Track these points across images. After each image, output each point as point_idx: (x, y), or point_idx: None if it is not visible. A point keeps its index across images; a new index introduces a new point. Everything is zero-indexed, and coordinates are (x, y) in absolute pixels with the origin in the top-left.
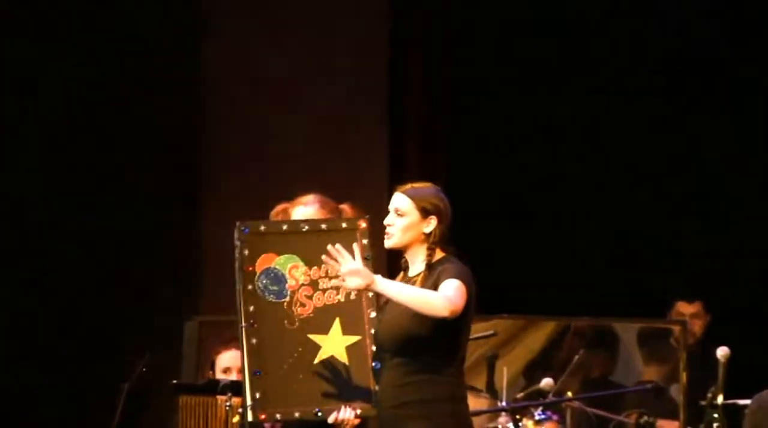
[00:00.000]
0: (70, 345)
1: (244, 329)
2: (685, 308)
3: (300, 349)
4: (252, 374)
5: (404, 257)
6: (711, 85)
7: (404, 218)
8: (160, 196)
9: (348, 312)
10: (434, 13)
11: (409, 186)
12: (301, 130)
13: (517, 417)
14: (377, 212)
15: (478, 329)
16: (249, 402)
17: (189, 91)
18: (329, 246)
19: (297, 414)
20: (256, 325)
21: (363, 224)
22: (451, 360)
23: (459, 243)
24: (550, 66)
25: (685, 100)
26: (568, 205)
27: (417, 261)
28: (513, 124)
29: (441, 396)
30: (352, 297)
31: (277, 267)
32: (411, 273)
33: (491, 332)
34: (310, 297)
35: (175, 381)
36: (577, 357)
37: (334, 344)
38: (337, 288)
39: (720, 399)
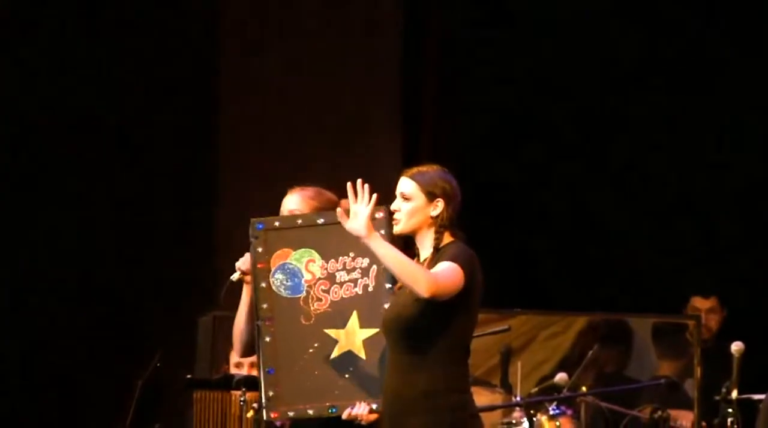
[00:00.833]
0: (85, 339)
1: (258, 327)
2: (701, 303)
3: (316, 345)
4: (265, 373)
5: (416, 244)
6: (712, 84)
7: (410, 202)
8: (179, 193)
9: (365, 304)
10: (447, 10)
11: (415, 169)
12: (317, 129)
13: (532, 412)
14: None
15: (493, 325)
16: (263, 400)
17: (207, 91)
18: (358, 182)
19: (311, 412)
20: (268, 323)
21: (380, 214)
22: (453, 350)
23: (472, 238)
24: (562, 64)
25: (692, 96)
26: (583, 200)
27: (426, 246)
28: (525, 121)
29: (440, 388)
30: (370, 289)
31: (292, 262)
32: (421, 258)
33: (505, 327)
34: (326, 292)
35: (189, 377)
36: (591, 352)
37: (351, 338)
38: (355, 281)
39: (734, 394)
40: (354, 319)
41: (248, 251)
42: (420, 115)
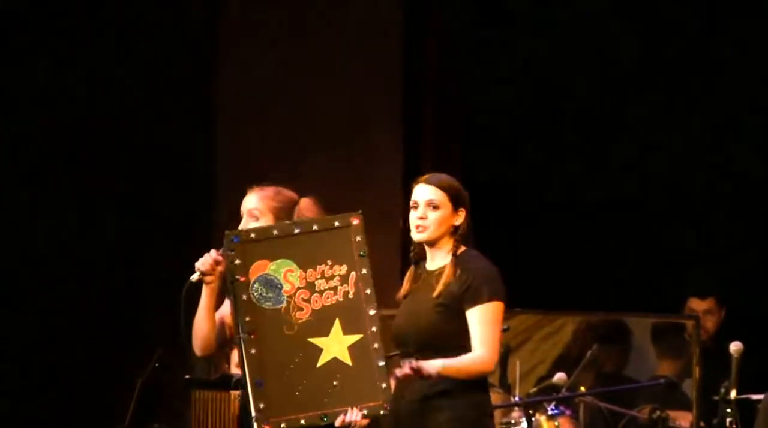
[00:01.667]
0: (84, 339)
1: (242, 340)
2: (698, 304)
3: (301, 354)
4: (254, 385)
5: (413, 250)
6: (711, 83)
7: (438, 211)
8: (178, 193)
9: (347, 311)
10: (447, 10)
11: (438, 178)
12: (317, 129)
13: (530, 411)
14: (391, 207)
15: None
16: (253, 413)
17: (207, 91)
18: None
19: (303, 422)
20: (253, 335)
21: (355, 221)
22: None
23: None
24: (563, 63)
25: (692, 96)
26: (582, 199)
27: (439, 254)
28: (526, 120)
29: (465, 387)
30: (351, 296)
31: (270, 273)
32: (431, 266)
33: (504, 327)
34: (307, 301)
35: (188, 376)
36: (590, 352)
37: (335, 345)
38: (335, 289)
39: (733, 394)
40: (337, 327)
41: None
42: (420, 115)
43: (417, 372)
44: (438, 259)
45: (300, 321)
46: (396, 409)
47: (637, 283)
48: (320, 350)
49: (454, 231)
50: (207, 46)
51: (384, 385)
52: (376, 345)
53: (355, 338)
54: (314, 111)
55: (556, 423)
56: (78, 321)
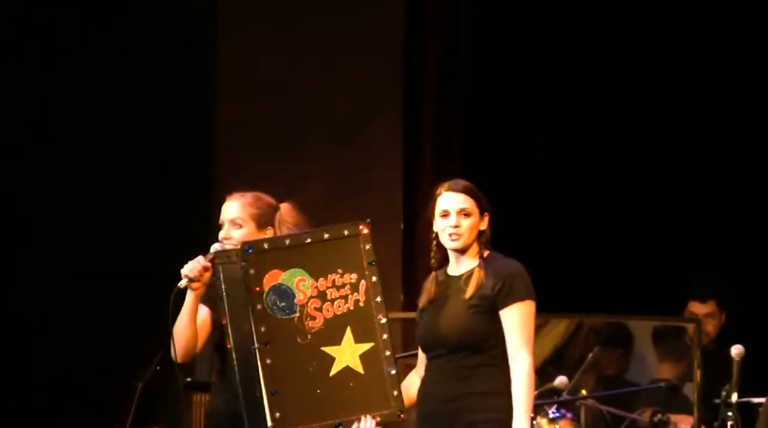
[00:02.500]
0: (84, 341)
1: (258, 350)
2: (698, 308)
3: (315, 363)
4: (270, 395)
5: (434, 257)
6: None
7: (470, 218)
8: (178, 193)
9: (358, 320)
10: (449, 7)
11: (464, 184)
12: (317, 129)
13: (531, 415)
14: (391, 209)
15: None
16: (269, 423)
17: (207, 91)
18: None
19: None
20: (269, 345)
21: (365, 230)
22: (505, 354)
23: None
24: (564, 61)
25: (692, 96)
26: (583, 201)
27: (466, 259)
28: (528, 119)
29: (498, 388)
30: (361, 304)
31: (283, 282)
32: (456, 271)
33: None
34: (319, 310)
35: (189, 379)
36: (591, 355)
37: (347, 354)
38: (346, 297)
39: (734, 398)
40: (348, 335)
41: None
42: (420, 116)
43: None
44: (464, 264)
45: (313, 330)
46: (427, 409)
47: (638, 286)
48: (333, 359)
49: (480, 235)
50: (207, 46)
51: (396, 393)
52: (387, 353)
53: (366, 346)
54: (314, 111)
55: (557, 426)
56: (78, 323)
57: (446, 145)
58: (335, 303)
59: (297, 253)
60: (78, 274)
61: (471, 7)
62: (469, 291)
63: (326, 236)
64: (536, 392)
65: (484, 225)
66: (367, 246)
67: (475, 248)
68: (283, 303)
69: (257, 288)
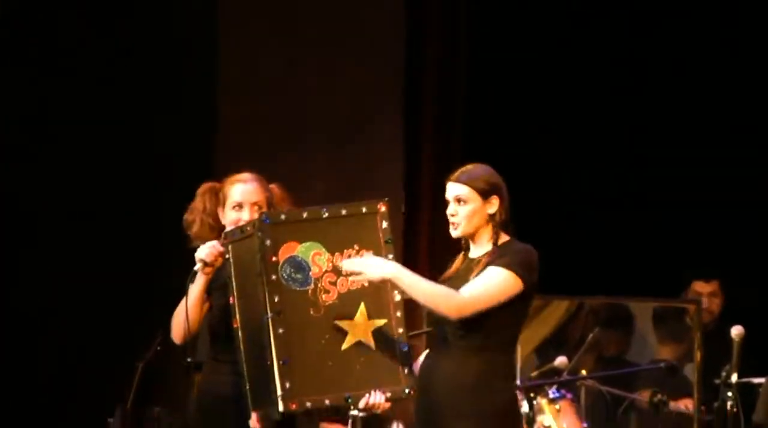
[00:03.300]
0: (86, 322)
1: (270, 319)
2: (702, 287)
3: (327, 336)
4: (281, 364)
5: (465, 238)
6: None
7: (467, 205)
8: (177, 193)
9: (372, 296)
10: (449, 7)
11: (461, 172)
12: (317, 128)
13: (532, 395)
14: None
15: None
16: (279, 392)
17: (207, 91)
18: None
19: (327, 402)
20: (282, 315)
21: (383, 207)
22: (504, 339)
23: None
24: (567, 57)
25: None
26: (583, 183)
27: (482, 243)
28: (528, 119)
29: (497, 374)
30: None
31: (299, 255)
32: (473, 254)
33: None
34: (334, 284)
35: (190, 360)
36: (591, 335)
37: (360, 329)
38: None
39: (734, 378)
40: (362, 310)
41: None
42: (420, 115)
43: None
44: (479, 249)
45: (326, 303)
46: (424, 385)
47: (638, 267)
48: (345, 333)
49: (491, 219)
50: (207, 45)
51: (407, 370)
52: (400, 330)
53: (379, 322)
54: (314, 111)
55: (557, 406)
56: (80, 303)
57: (446, 145)
58: (350, 278)
59: (314, 227)
60: (78, 274)
61: (471, 7)
62: (475, 271)
63: (344, 212)
64: (536, 372)
65: (491, 208)
66: (384, 224)
67: (488, 232)
68: (298, 276)
69: (273, 259)
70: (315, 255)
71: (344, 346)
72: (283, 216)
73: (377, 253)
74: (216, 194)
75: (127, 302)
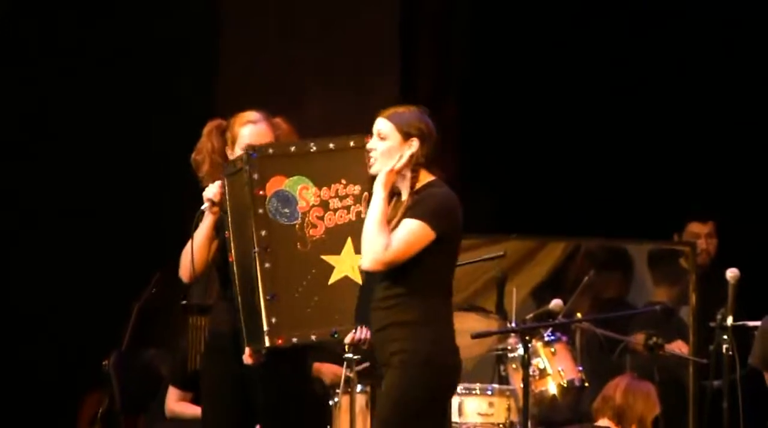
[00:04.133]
0: (85, 340)
1: (257, 254)
2: (699, 228)
3: (313, 271)
4: (267, 299)
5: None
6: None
7: (386, 142)
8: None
9: (359, 231)
10: (448, 7)
11: (391, 110)
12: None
13: (527, 338)
14: None
15: (488, 250)
16: (265, 327)
17: (207, 91)
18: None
19: (313, 337)
20: (269, 249)
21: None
22: (428, 286)
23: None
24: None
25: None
26: (579, 124)
27: (404, 188)
28: (527, 120)
29: (420, 319)
30: (363, 216)
31: (287, 189)
32: (403, 197)
33: (500, 253)
34: (321, 218)
35: (184, 302)
36: (586, 278)
37: (346, 264)
38: (348, 208)
39: (729, 321)
40: (349, 245)
41: None
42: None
43: None
44: (405, 191)
45: (313, 238)
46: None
47: (634, 209)
48: (332, 268)
49: (410, 161)
50: (207, 45)
51: None
52: None
53: None
54: (314, 109)
55: (553, 349)
56: (78, 322)
57: (446, 144)
58: (337, 213)
59: (301, 161)
60: (78, 273)
61: (470, 7)
62: (396, 219)
63: (331, 146)
64: (531, 315)
65: (411, 149)
66: None
67: (406, 175)
68: (285, 210)
69: (260, 192)
70: (302, 190)
71: (331, 281)
72: (270, 150)
73: (364, 188)
74: (222, 133)
75: (127, 300)
